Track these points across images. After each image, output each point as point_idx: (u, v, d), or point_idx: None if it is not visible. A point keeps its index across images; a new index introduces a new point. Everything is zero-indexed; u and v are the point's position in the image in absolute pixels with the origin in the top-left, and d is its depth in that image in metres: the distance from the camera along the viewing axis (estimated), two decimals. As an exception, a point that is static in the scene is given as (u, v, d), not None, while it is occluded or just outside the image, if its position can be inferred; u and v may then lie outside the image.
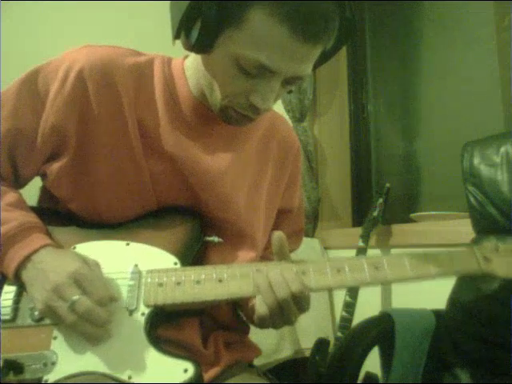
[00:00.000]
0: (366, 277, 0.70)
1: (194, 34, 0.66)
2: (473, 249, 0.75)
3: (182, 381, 0.63)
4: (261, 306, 0.69)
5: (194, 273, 0.70)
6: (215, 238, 0.79)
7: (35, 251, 0.68)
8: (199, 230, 0.78)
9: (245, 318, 0.88)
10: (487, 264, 0.73)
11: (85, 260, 0.68)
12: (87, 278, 0.65)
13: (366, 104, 2.19)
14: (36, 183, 0.84)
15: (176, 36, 0.68)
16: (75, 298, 0.63)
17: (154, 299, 0.68)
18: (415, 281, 0.71)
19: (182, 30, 0.67)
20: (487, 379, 0.97)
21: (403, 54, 2.04)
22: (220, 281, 0.69)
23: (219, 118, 0.77)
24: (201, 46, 0.68)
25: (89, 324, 0.64)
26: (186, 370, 0.63)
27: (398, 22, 2.08)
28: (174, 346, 0.73)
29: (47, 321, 0.68)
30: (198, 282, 0.69)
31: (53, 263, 0.67)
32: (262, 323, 0.71)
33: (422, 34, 1.96)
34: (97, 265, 0.69)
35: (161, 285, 0.69)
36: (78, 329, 0.64)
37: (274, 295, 0.67)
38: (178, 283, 0.69)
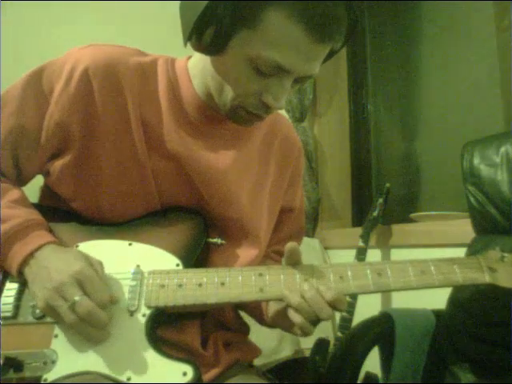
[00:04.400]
0: (369, 284, 0.70)
1: (208, 35, 0.67)
2: (478, 258, 0.75)
3: None
4: (298, 318, 0.67)
5: (196, 275, 0.70)
6: (218, 240, 0.79)
7: (38, 248, 0.68)
8: (202, 230, 0.78)
9: (257, 321, 0.87)
10: (492, 274, 0.73)
11: (88, 259, 0.68)
12: (89, 278, 0.65)
13: (366, 104, 2.19)
14: (37, 182, 0.84)
15: (189, 38, 0.69)
16: (76, 298, 0.63)
17: (156, 301, 0.68)
18: (418, 289, 0.71)
19: (194, 32, 0.67)
20: (487, 379, 0.97)
21: (403, 54, 2.04)
22: (222, 284, 0.69)
23: (227, 118, 0.77)
24: (214, 48, 0.68)
25: (89, 325, 0.64)
26: (185, 373, 0.63)
27: (398, 23, 2.08)
28: (173, 348, 0.73)
29: (48, 319, 0.68)
30: (199, 285, 0.69)
31: (56, 262, 0.67)
32: (306, 334, 0.69)
33: (422, 34, 1.96)
34: (100, 264, 0.69)
35: (162, 286, 0.69)
36: (78, 329, 0.64)
37: (316, 316, 0.66)
38: (180, 285, 0.69)
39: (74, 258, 0.68)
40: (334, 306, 0.67)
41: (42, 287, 0.65)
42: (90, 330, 0.64)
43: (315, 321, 0.67)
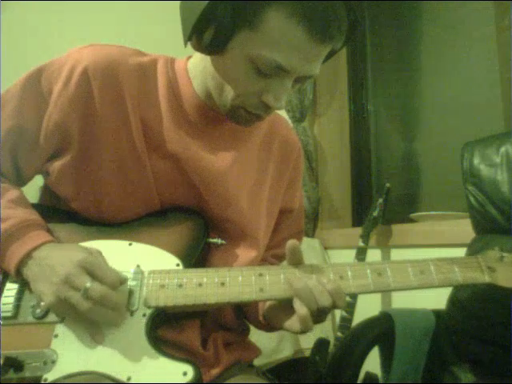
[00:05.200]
0: (369, 284, 0.71)
1: (208, 35, 0.67)
2: (477, 258, 0.75)
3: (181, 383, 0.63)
4: (302, 307, 0.68)
5: (196, 275, 0.70)
6: (218, 240, 0.79)
7: (36, 248, 0.68)
8: (202, 230, 0.78)
9: (253, 324, 0.88)
10: (491, 274, 0.73)
11: (88, 249, 0.68)
12: (95, 264, 0.65)
13: (366, 104, 2.19)
14: (36, 182, 0.84)
15: (189, 38, 0.69)
16: (88, 284, 0.63)
17: (156, 300, 0.68)
18: (418, 288, 0.71)
19: (195, 31, 0.67)
20: (487, 379, 0.97)
21: (403, 54, 2.04)
22: (222, 284, 0.69)
23: (227, 119, 0.77)
24: (214, 48, 0.68)
25: (105, 308, 0.64)
26: (185, 373, 0.63)
27: (398, 22, 2.08)
28: (173, 348, 0.73)
29: (49, 318, 0.68)
30: (199, 285, 0.69)
31: (57, 257, 0.67)
32: (305, 330, 0.69)
33: (422, 34, 1.96)
34: (99, 253, 0.69)
35: (162, 286, 0.69)
36: (94, 315, 0.64)
37: (317, 303, 0.67)
38: (180, 285, 0.69)
39: (74, 249, 0.68)
40: (333, 298, 0.67)
41: (49, 283, 0.65)
42: (106, 314, 0.64)
43: (316, 313, 0.67)
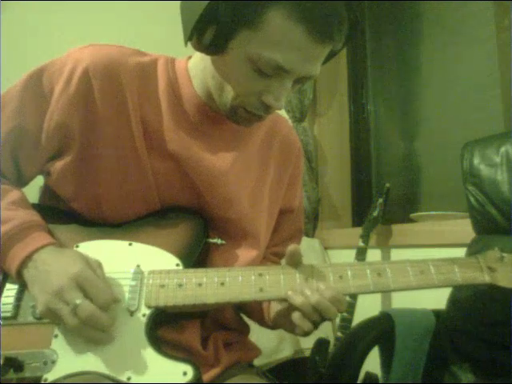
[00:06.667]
0: (368, 284, 0.71)
1: (209, 35, 0.67)
2: (477, 258, 0.75)
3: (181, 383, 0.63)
4: (304, 323, 0.68)
5: (196, 275, 0.70)
6: (218, 240, 0.79)
7: (37, 250, 0.68)
8: (202, 230, 0.78)
9: (256, 322, 0.88)
10: (491, 274, 0.73)
11: (87, 261, 0.68)
12: (90, 280, 0.65)
13: (366, 104, 2.19)
14: (37, 182, 0.84)
15: (189, 38, 0.69)
16: (78, 302, 0.62)
17: (156, 300, 0.68)
18: (418, 289, 0.71)
19: (195, 31, 0.67)
20: (487, 379, 0.97)
21: (403, 54, 2.04)
22: (222, 284, 0.69)
23: (227, 119, 0.77)
24: (215, 48, 0.68)
25: (91, 328, 0.64)
26: (185, 373, 0.64)
27: (398, 22, 2.08)
28: (173, 348, 0.73)
29: (48, 319, 0.68)
30: (199, 285, 0.69)
31: (55, 264, 0.66)
32: (307, 334, 0.70)
33: (422, 34, 1.96)
34: (99, 265, 0.69)
35: (162, 286, 0.69)
36: (80, 332, 0.64)
37: (319, 314, 0.67)
38: (180, 285, 0.69)
39: (73, 259, 0.67)
40: (335, 305, 0.67)
41: (42, 291, 0.65)
42: (92, 333, 0.64)
43: (318, 321, 0.67)
